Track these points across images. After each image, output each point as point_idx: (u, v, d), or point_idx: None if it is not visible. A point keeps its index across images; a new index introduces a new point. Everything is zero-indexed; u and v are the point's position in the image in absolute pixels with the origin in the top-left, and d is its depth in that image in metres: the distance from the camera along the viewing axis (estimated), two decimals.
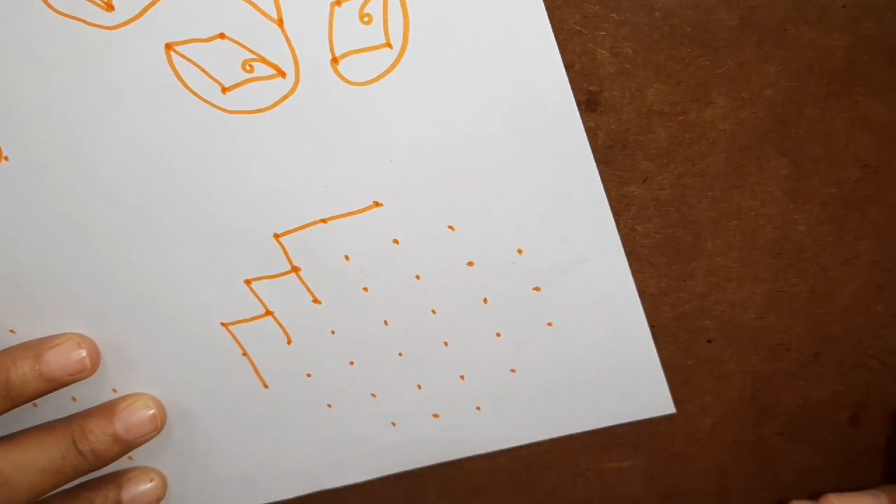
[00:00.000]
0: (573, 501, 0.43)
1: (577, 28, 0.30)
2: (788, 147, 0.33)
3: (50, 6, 0.28)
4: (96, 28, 0.29)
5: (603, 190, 0.32)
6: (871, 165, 0.34)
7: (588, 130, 0.31)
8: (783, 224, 0.35)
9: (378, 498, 0.43)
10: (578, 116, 0.30)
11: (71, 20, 0.29)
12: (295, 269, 0.35)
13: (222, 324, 0.36)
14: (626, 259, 0.34)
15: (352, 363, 0.38)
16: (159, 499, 0.41)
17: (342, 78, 0.30)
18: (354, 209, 0.33)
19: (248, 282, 0.35)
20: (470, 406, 0.39)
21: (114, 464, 0.38)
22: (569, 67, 0.30)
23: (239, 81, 0.30)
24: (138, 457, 0.40)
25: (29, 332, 0.37)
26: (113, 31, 0.29)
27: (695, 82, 0.31)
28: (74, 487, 0.39)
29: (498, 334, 0.36)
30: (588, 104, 0.32)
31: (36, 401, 0.37)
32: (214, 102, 0.30)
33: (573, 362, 0.37)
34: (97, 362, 0.37)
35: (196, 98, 0.30)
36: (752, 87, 0.31)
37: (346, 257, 0.34)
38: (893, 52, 0.31)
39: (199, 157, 0.32)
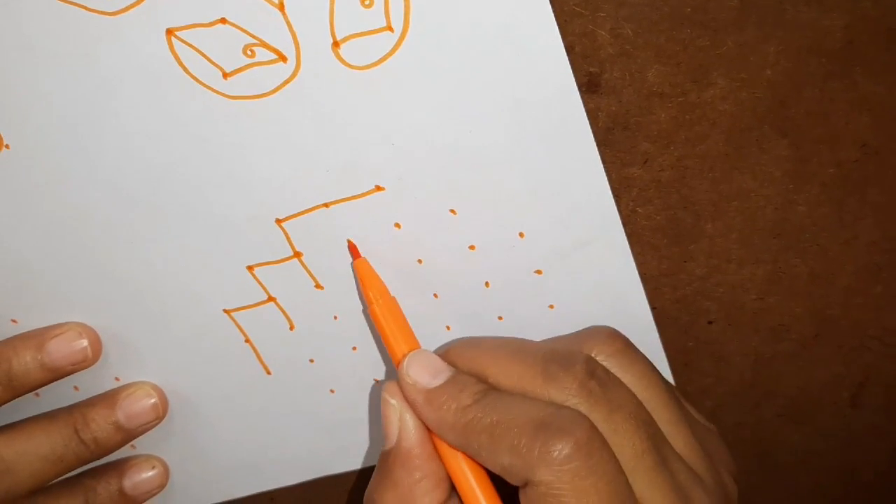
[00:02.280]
0: None
1: (578, 9, 0.30)
2: (788, 128, 0.33)
3: None
4: (97, 14, 0.29)
5: (604, 172, 0.32)
6: (870, 146, 0.34)
7: (588, 112, 0.31)
8: (783, 205, 0.35)
9: None
10: (579, 98, 0.30)
11: (71, 6, 0.29)
12: (297, 255, 0.35)
13: (224, 310, 0.37)
14: (626, 241, 0.34)
15: (354, 348, 0.38)
16: (161, 486, 0.41)
17: (343, 62, 0.30)
18: (356, 193, 0.33)
19: (250, 268, 0.35)
20: None
21: (116, 452, 0.39)
22: (569, 49, 0.30)
23: (240, 66, 0.30)
24: (141, 445, 0.40)
25: (30, 321, 0.37)
26: (113, 17, 0.29)
27: (695, 63, 0.31)
28: (77, 475, 0.39)
29: (500, 317, 0.36)
30: (588, 86, 0.32)
31: (38, 390, 0.37)
32: (215, 88, 0.30)
33: None
34: (99, 352, 0.37)
35: (197, 83, 0.30)
36: (752, 68, 0.32)
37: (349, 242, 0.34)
38: (893, 32, 0.31)
39: (200, 143, 0.32)
